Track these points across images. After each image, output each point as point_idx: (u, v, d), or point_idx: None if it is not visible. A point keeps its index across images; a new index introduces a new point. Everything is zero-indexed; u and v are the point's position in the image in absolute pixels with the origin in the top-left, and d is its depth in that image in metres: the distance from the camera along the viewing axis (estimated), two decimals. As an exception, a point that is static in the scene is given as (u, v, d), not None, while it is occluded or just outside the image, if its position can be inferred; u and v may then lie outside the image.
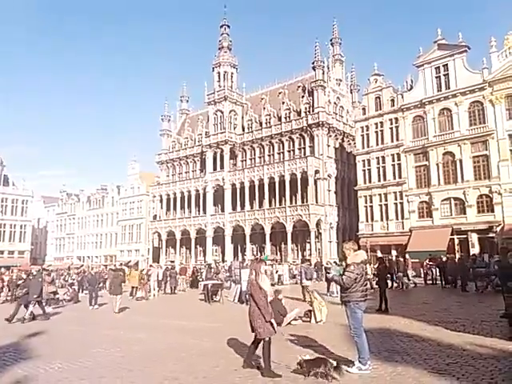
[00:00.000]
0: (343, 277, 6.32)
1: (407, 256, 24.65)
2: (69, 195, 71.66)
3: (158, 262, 45.89)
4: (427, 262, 23.92)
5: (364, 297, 6.39)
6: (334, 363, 6.05)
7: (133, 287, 21.65)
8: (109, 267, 33.86)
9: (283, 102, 44.55)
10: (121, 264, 44.24)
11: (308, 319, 11.36)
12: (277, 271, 28.94)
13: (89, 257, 63.99)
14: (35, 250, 68.20)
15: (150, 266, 28.62)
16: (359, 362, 6.20)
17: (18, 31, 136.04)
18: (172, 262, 47.58)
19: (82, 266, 46.70)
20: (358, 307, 6.32)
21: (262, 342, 6.47)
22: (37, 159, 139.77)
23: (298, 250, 41.21)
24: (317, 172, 39.75)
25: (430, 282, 23.38)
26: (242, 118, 48.03)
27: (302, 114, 42.72)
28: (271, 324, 6.40)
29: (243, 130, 47.46)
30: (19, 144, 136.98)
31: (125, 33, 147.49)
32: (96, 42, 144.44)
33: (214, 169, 46.70)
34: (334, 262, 27.90)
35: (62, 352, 8.60)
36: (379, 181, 36.22)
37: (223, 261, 40.83)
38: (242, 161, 47.30)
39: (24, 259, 57.48)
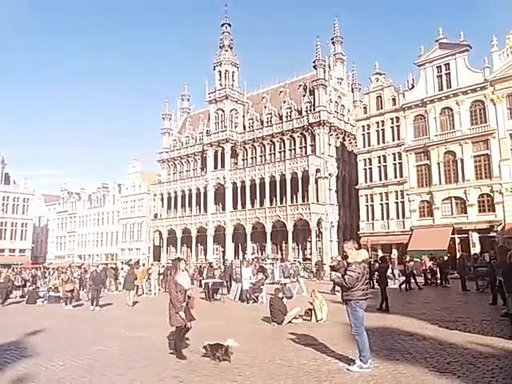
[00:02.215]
0: (345, 276, 6.31)
1: (392, 255, 24.71)
2: (70, 194, 71.71)
3: (159, 261, 46.01)
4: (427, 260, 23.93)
5: (365, 295, 6.40)
6: (225, 346, 6.94)
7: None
8: (109, 266, 33.84)
9: (284, 101, 44.50)
10: (124, 262, 44.27)
11: (309, 318, 11.37)
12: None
13: (90, 255, 64.07)
14: (36, 248, 68.32)
15: (151, 264, 28.63)
16: (360, 360, 6.21)
17: (19, 31, 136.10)
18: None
19: (83, 264, 46.70)
20: (359, 306, 6.33)
21: (176, 329, 7.53)
22: (38, 158, 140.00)
23: (298, 248, 41.22)
24: (318, 171, 39.72)
25: (431, 281, 23.35)
26: (243, 116, 48.02)
27: (303, 113, 42.68)
28: (180, 315, 7.40)
29: (244, 128, 47.45)
30: (20, 143, 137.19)
31: (126, 31, 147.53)
32: (97, 40, 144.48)
33: (215, 167, 46.71)
34: (297, 261, 27.75)
35: (63, 350, 8.62)
36: (380, 180, 36.20)
37: (224, 259, 40.84)
38: (243, 159, 47.31)
39: (25, 257, 57.62)
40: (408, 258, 21.71)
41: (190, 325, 7.76)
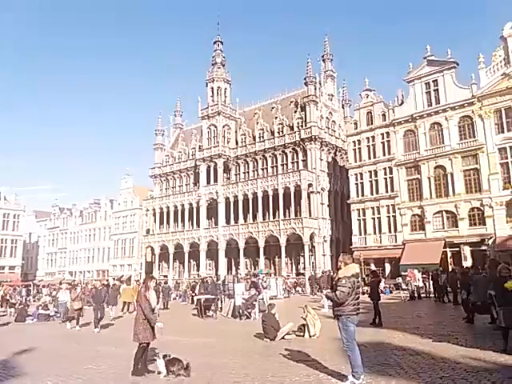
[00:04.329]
0: (336, 292, 6.27)
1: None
2: (61, 210, 71.04)
3: (151, 277, 45.42)
4: (420, 274, 24.02)
5: (356, 310, 6.39)
6: (185, 364, 7.11)
7: (125, 302, 21.39)
8: (101, 282, 33.39)
9: (276, 117, 44.93)
10: (115, 279, 43.76)
11: (302, 333, 11.30)
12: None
13: (81, 272, 63.22)
14: (26, 265, 67.28)
15: (137, 281, 28.31)
16: (352, 376, 6.18)
17: (14, 49, 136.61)
18: (165, 276, 47.20)
19: (74, 281, 46.06)
20: (350, 321, 6.31)
21: (140, 346, 7.57)
22: (29, 174, 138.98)
23: (292, 263, 41.11)
24: (310, 185, 39.93)
25: (424, 295, 23.42)
26: (236, 132, 48.33)
27: (295, 129, 43.09)
28: (152, 330, 7.53)
29: (237, 144, 47.71)
30: (11, 158, 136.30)
31: (118, 49, 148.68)
32: (91, 56, 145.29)
33: (208, 182, 46.74)
34: (251, 274, 27.18)
35: (52, 369, 8.46)
36: (372, 194, 36.45)
37: (217, 275, 40.56)
38: (236, 174, 47.43)
39: (15, 274, 56.63)
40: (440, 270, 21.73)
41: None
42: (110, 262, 59.65)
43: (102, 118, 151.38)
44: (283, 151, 43.71)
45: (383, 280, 28.87)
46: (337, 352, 8.44)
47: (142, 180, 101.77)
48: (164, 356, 7.50)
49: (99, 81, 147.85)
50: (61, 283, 27.43)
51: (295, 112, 43.93)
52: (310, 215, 39.49)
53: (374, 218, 36.34)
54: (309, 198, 39.98)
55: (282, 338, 10.87)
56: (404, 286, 25.24)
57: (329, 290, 6.84)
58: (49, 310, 20.24)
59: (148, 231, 52.85)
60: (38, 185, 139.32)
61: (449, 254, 31.27)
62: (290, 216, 40.14)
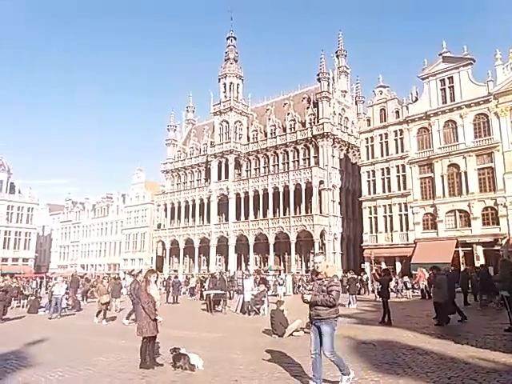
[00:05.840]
0: (333, 293, 5.66)
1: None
2: (74, 203, 71.98)
3: (162, 271, 45.87)
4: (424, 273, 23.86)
5: (337, 312, 5.92)
6: (191, 359, 7.26)
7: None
8: (112, 276, 33.77)
9: (288, 113, 44.74)
10: (126, 272, 44.21)
11: (310, 330, 11.28)
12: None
13: (92, 265, 64.05)
14: (39, 257, 68.40)
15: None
16: (344, 375, 5.87)
17: (20, 44, 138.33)
18: (175, 271, 47.50)
19: (86, 274, 46.69)
20: (336, 324, 5.90)
21: (144, 340, 7.61)
22: (43, 168, 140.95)
23: (301, 260, 41.05)
24: (321, 182, 39.75)
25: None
26: (248, 128, 48.29)
27: (307, 125, 42.87)
28: (155, 324, 7.57)
29: (248, 140, 47.68)
30: (26, 153, 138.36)
31: (132, 44, 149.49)
32: (103, 52, 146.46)
33: (219, 178, 46.84)
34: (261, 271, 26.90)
35: (63, 360, 8.60)
36: (384, 192, 36.14)
37: (227, 270, 40.71)
38: (247, 170, 47.44)
39: (28, 266, 57.68)
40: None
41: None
42: (122, 256, 60.30)
43: (116, 114, 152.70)
44: (295, 148, 43.56)
45: (394, 279, 28.68)
46: (344, 349, 8.41)
47: (153, 175, 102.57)
48: (174, 349, 7.59)
49: (112, 78, 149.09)
50: (73, 276, 27.77)
51: (307, 108, 43.69)
52: (321, 212, 39.33)
53: (385, 216, 36.05)
54: (320, 194, 39.81)
55: (291, 334, 10.88)
56: (408, 286, 25.08)
57: (308, 294, 5.97)
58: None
59: (159, 226, 53.27)
60: (51, 179, 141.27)
61: (461, 254, 30.92)
62: (300, 213, 40.04)
